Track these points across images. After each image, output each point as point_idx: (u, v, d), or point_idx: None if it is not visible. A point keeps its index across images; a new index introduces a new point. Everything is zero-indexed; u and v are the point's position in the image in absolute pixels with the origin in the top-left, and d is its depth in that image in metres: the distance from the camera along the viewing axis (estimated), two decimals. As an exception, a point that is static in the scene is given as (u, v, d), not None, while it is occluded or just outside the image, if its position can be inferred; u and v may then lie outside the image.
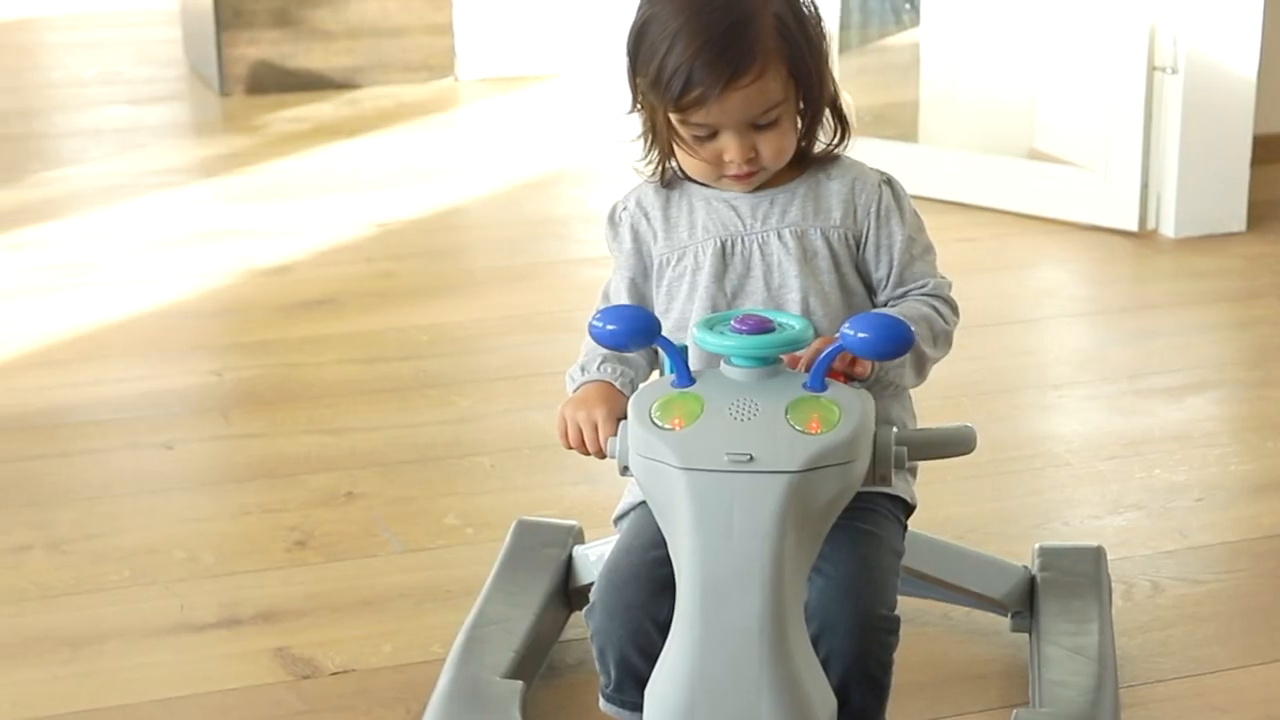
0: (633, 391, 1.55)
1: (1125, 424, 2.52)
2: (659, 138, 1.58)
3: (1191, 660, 1.89)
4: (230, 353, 2.86)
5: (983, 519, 2.19)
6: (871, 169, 1.62)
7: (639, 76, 1.55)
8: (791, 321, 1.46)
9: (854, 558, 1.51)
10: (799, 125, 1.57)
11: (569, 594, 1.91)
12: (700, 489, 1.39)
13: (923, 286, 1.59)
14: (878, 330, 1.39)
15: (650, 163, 1.62)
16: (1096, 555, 1.95)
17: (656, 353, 1.60)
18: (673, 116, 1.53)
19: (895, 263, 1.59)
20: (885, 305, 1.60)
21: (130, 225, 3.56)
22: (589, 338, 1.50)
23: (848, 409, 1.40)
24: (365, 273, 3.30)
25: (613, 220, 1.65)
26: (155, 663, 1.90)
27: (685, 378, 1.45)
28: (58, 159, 4.22)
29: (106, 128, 4.50)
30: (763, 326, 1.43)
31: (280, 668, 1.88)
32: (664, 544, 1.45)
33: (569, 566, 1.92)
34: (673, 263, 1.61)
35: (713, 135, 1.53)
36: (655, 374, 1.63)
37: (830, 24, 3.67)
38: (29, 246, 3.40)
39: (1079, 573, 1.92)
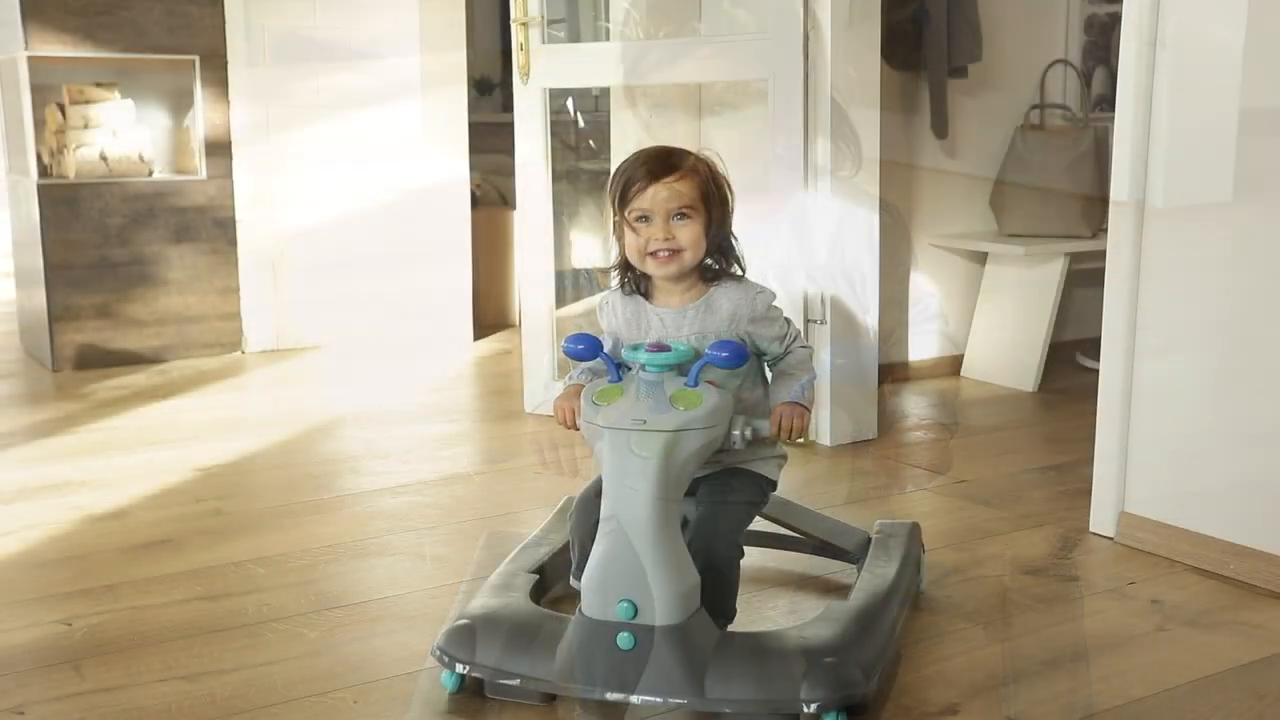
0: None
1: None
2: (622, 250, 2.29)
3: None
4: (77, 600, 2.80)
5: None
6: (752, 286, 2.34)
7: (612, 202, 2.25)
8: (680, 347, 2.24)
9: (711, 507, 2.33)
10: (705, 239, 2.28)
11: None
12: (615, 438, 2.14)
13: (794, 339, 2.39)
14: (731, 350, 2.19)
15: (616, 278, 2.36)
16: (912, 527, 2.80)
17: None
18: (625, 210, 2.23)
19: (778, 338, 2.37)
20: (777, 360, 2.38)
21: (-32, 485, 3.64)
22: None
23: (708, 397, 2.17)
24: (197, 512, 3.41)
25: (600, 308, 2.42)
26: None
27: (616, 376, 2.25)
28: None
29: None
30: (662, 349, 2.22)
31: None
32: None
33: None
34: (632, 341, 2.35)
35: (645, 222, 2.25)
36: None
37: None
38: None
39: (897, 535, 2.77)
